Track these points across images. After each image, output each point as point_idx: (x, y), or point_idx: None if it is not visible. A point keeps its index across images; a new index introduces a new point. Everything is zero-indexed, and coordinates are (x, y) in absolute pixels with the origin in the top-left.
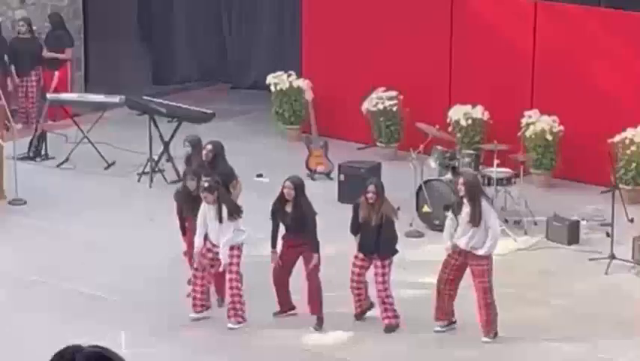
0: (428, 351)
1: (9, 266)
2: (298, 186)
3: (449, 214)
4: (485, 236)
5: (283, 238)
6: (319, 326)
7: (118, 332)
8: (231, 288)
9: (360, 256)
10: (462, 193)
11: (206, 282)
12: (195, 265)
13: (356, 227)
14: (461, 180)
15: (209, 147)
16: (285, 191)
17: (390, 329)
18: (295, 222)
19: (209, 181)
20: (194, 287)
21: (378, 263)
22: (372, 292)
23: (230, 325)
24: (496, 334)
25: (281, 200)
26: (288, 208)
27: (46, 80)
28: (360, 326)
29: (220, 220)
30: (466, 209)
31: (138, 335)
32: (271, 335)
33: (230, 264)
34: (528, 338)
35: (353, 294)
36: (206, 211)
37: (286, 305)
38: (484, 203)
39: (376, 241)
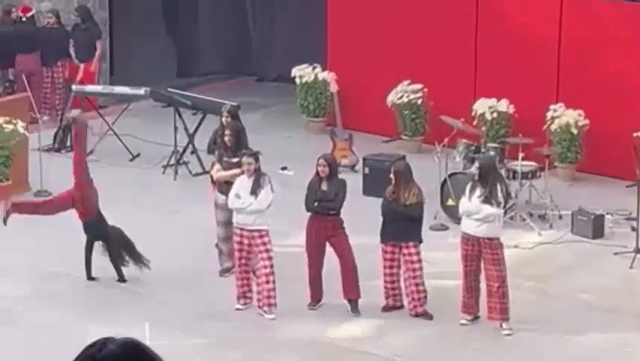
0: (451, 344)
1: (34, 258)
2: (332, 164)
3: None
4: (495, 223)
5: (309, 223)
6: (356, 310)
7: (142, 324)
8: (267, 280)
9: (389, 248)
10: (476, 177)
11: (243, 270)
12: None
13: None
14: (477, 164)
15: (229, 131)
16: (319, 169)
17: (420, 315)
18: (326, 202)
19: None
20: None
21: (407, 251)
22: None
23: (266, 316)
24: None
25: (317, 178)
26: (324, 186)
27: (72, 71)
28: (384, 318)
29: (255, 194)
30: (478, 191)
31: (162, 327)
32: (296, 327)
33: (267, 250)
34: (551, 332)
35: (386, 288)
36: (239, 185)
37: (318, 294)
38: (499, 187)
39: (403, 226)
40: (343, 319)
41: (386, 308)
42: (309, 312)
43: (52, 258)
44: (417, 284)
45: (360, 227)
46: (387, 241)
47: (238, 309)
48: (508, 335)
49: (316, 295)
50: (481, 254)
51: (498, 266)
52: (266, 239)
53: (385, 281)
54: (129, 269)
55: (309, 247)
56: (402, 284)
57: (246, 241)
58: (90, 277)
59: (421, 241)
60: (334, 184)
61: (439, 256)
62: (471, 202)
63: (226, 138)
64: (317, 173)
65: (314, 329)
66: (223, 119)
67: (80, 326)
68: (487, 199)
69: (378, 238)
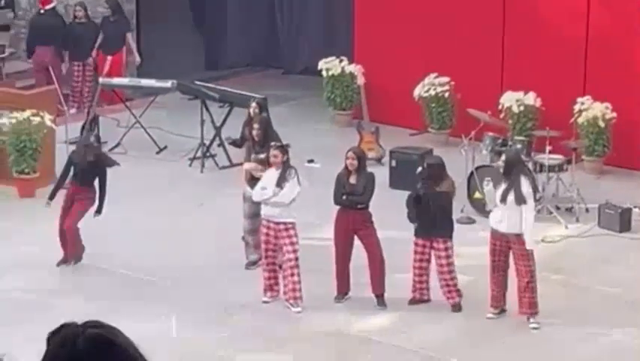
0: (478, 338)
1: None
2: (361, 157)
3: (488, 183)
4: (521, 216)
5: (337, 216)
6: (382, 303)
7: (169, 317)
8: (293, 273)
9: (420, 241)
10: (501, 170)
11: (270, 263)
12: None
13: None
14: (502, 158)
15: (257, 125)
16: (348, 162)
17: (457, 307)
18: (355, 195)
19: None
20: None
21: (439, 246)
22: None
23: (292, 309)
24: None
25: (346, 171)
26: (352, 180)
27: (99, 64)
28: (410, 311)
29: (281, 186)
30: (502, 186)
31: (188, 320)
32: (322, 320)
33: (292, 243)
34: (578, 325)
35: (414, 281)
36: (268, 177)
37: (345, 287)
38: (523, 181)
39: (434, 220)
40: (369, 312)
41: (413, 301)
42: (335, 305)
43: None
44: (451, 278)
45: (387, 220)
46: (418, 235)
47: (265, 302)
48: (535, 328)
49: (343, 288)
50: (509, 249)
51: (527, 261)
52: (292, 232)
53: (414, 275)
54: (156, 262)
55: (336, 240)
56: (430, 279)
57: (272, 234)
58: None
59: (451, 237)
60: (363, 178)
61: (466, 250)
62: (499, 195)
63: (254, 132)
64: (346, 166)
65: (340, 322)
66: (251, 110)
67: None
68: (507, 193)
69: (404, 231)
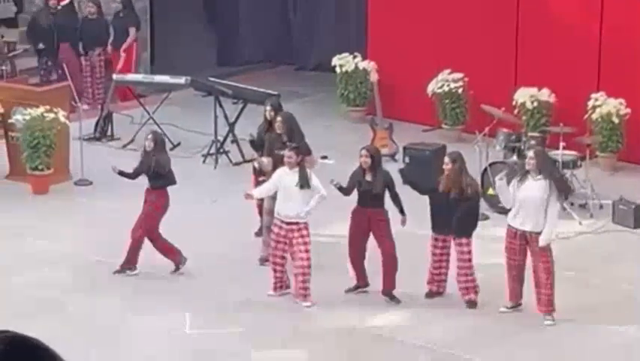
0: (491, 334)
1: (75, 247)
2: (374, 155)
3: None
4: (543, 217)
5: (353, 212)
6: (394, 299)
7: (182, 312)
8: (303, 267)
9: (441, 237)
10: (530, 167)
11: (278, 259)
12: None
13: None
14: (530, 154)
15: (280, 119)
16: (362, 160)
17: (472, 304)
18: (371, 193)
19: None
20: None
21: (459, 241)
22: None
23: (304, 304)
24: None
25: (361, 169)
26: (369, 177)
27: (113, 60)
28: (423, 308)
29: (301, 186)
30: (531, 183)
31: (200, 316)
32: (333, 316)
33: (304, 243)
34: (591, 322)
35: (431, 274)
36: (281, 177)
37: (362, 280)
38: (550, 182)
39: (454, 217)
40: (382, 308)
41: (429, 294)
42: (347, 301)
43: (91, 247)
44: (470, 274)
45: (399, 216)
46: (439, 233)
47: (270, 295)
48: (550, 325)
49: (361, 281)
50: (526, 248)
51: (544, 258)
52: (304, 232)
53: (432, 267)
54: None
55: (350, 236)
56: (448, 272)
57: (283, 233)
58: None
59: (471, 235)
60: (379, 175)
61: (480, 246)
62: (519, 192)
63: (277, 126)
64: (360, 164)
65: (351, 318)
66: (267, 113)
67: (119, 315)
68: (560, 194)
69: (418, 227)
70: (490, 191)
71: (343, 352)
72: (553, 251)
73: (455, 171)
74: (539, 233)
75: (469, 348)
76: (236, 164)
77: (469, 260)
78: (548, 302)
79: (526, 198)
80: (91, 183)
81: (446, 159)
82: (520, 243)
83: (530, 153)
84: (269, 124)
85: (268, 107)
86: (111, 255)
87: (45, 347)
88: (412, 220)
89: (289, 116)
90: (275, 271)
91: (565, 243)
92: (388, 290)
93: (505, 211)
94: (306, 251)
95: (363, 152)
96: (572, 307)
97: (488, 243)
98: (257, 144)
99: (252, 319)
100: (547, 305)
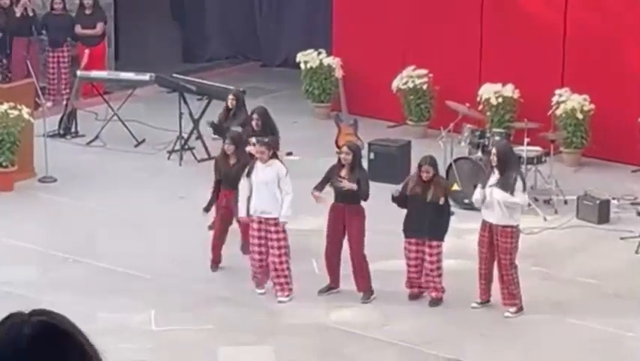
0: (459, 329)
1: (40, 244)
2: (355, 152)
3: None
4: (507, 210)
5: (330, 209)
6: (367, 297)
7: (148, 310)
8: (281, 262)
9: (414, 240)
10: (494, 163)
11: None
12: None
13: (403, 201)
14: (493, 150)
15: (256, 115)
16: (342, 156)
17: (436, 302)
18: (343, 190)
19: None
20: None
21: (431, 245)
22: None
23: (280, 298)
24: (520, 308)
25: (338, 166)
26: (343, 173)
27: (78, 56)
28: (392, 305)
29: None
30: (494, 178)
31: (169, 313)
32: (305, 313)
33: (280, 239)
34: (557, 316)
35: (411, 277)
36: (252, 175)
37: (335, 283)
38: (516, 175)
39: (429, 221)
40: (353, 304)
41: (413, 296)
42: (319, 297)
43: (55, 243)
44: (438, 275)
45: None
46: (412, 236)
47: (262, 294)
48: (511, 317)
49: (333, 284)
50: (496, 241)
51: (506, 254)
52: (280, 228)
53: (411, 271)
54: (137, 254)
55: (328, 233)
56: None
57: (263, 228)
58: None
59: (443, 238)
60: (355, 173)
61: (448, 242)
62: (485, 189)
63: (253, 123)
64: (339, 160)
65: (322, 315)
66: (229, 102)
67: (85, 312)
68: (503, 186)
69: (383, 223)
70: (455, 187)
71: (314, 348)
72: (518, 246)
73: (440, 177)
74: (506, 227)
75: (437, 343)
76: (202, 160)
77: (439, 261)
78: (510, 296)
79: (491, 192)
80: (55, 180)
81: (426, 167)
82: (490, 235)
83: (493, 149)
84: (228, 111)
85: (231, 96)
86: (76, 252)
87: (75, 333)
88: (390, 218)
89: (264, 111)
90: (258, 269)
91: (530, 238)
92: (362, 290)
93: (471, 207)
94: (279, 248)
95: (345, 148)
96: (538, 301)
97: (452, 238)
98: (218, 128)
99: (219, 315)
100: (510, 299)
